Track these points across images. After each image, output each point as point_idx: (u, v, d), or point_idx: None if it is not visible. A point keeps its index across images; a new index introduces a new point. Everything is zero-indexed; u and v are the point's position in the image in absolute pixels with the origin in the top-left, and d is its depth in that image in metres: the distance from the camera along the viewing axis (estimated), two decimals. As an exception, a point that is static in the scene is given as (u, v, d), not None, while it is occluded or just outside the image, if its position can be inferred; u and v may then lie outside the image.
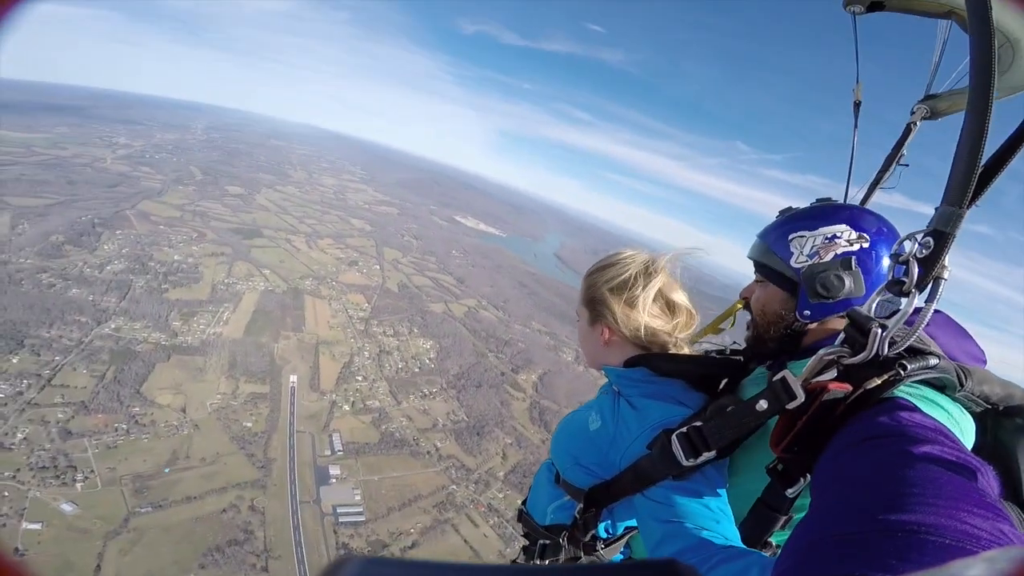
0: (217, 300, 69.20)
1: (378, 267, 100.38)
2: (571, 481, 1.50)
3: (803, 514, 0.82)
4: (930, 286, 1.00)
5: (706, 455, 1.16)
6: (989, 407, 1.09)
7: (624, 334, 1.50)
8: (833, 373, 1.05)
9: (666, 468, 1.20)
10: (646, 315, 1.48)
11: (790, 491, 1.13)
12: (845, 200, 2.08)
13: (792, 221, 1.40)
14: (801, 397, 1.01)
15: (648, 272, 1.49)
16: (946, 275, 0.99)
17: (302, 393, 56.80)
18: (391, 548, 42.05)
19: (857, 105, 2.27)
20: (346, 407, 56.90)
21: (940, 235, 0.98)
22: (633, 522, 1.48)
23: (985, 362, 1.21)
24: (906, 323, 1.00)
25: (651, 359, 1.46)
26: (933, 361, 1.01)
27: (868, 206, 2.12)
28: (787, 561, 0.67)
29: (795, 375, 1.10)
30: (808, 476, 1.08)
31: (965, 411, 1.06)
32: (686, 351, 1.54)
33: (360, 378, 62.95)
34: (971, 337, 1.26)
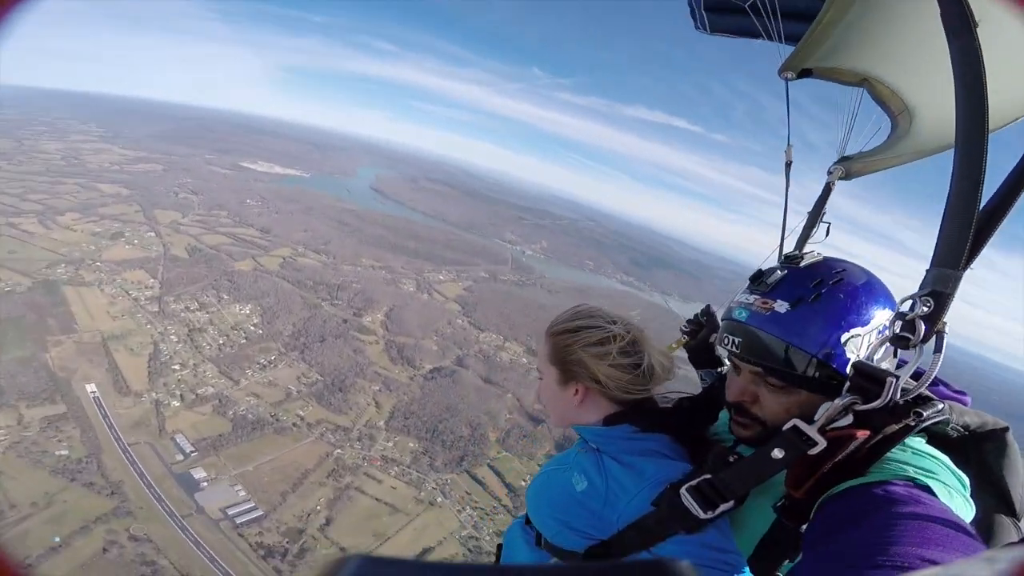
0: (-74, 322, 53.30)
1: (153, 234, 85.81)
2: (561, 545, 1.41)
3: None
4: (934, 339, 1.05)
5: (724, 506, 1.14)
6: (968, 434, 1.20)
7: (601, 393, 1.45)
8: (849, 418, 1.08)
9: (679, 524, 1.16)
10: (625, 373, 1.42)
11: (804, 528, 1.11)
12: (781, 254, 2.07)
13: (837, 312, 1.20)
14: (823, 444, 1.04)
15: (624, 330, 1.46)
16: (947, 329, 1.05)
17: (111, 401, 49.63)
18: (309, 531, 42.04)
19: (788, 165, 2.27)
20: (175, 403, 51.96)
21: (939, 295, 1.04)
22: None
23: (959, 397, 1.28)
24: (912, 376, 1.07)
25: (634, 416, 1.41)
26: (941, 405, 1.11)
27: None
28: None
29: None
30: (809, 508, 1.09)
31: (958, 474, 1.09)
32: (657, 403, 1.49)
33: (177, 367, 56.76)
34: (942, 381, 1.31)
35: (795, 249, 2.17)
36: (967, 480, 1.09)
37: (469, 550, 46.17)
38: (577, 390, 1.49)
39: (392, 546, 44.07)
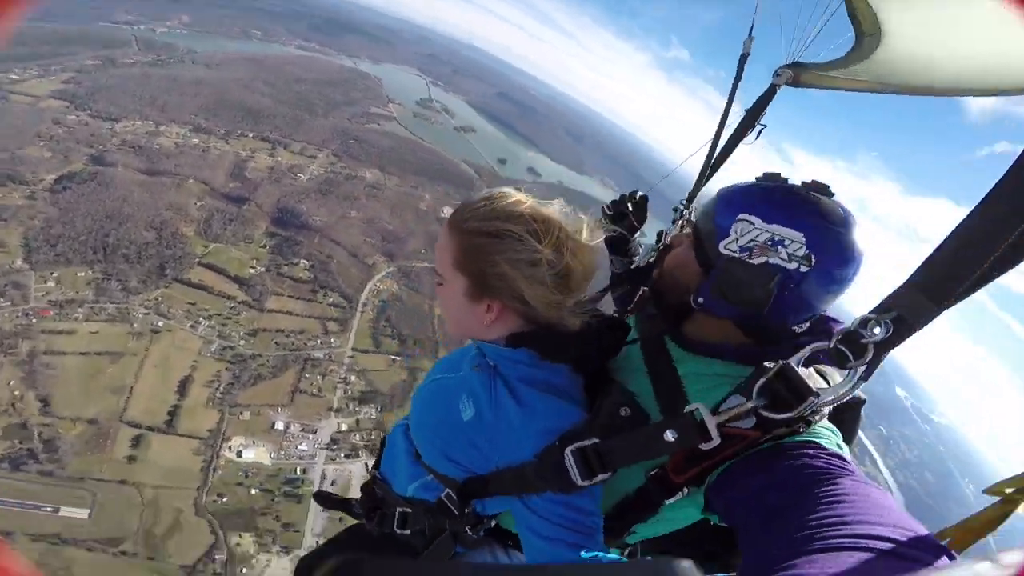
0: None
1: None
2: (438, 471, 1.35)
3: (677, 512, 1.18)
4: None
5: (602, 476, 1.09)
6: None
7: (518, 312, 1.27)
8: (752, 421, 1.03)
9: (555, 482, 1.11)
10: (554, 293, 1.22)
11: (669, 501, 1.15)
12: (714, 153, 2.33)
13: (752, 200, 1.23)
14: (716, 441, 0.99)
15: (561, 238, 1.23)
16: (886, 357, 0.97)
17: None
18: (31, 421, 33.89)
19: (744, 57, 2.34)
20: None
21: (904, 324, 0.93)
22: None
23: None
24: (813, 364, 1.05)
25: (538, 341, 1.27)
26: (823, 418, 1.09)
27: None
28: None
29: (678, 368, 1.26)
30: (686, 491, 1.13)
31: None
32: (575, 323, 1.30)
33: None
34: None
35: (726, 147, 2.33)
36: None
37: (230, 362, 42.72)
38: (491, 307, 1.27)
39: (144, 388, 38.32)
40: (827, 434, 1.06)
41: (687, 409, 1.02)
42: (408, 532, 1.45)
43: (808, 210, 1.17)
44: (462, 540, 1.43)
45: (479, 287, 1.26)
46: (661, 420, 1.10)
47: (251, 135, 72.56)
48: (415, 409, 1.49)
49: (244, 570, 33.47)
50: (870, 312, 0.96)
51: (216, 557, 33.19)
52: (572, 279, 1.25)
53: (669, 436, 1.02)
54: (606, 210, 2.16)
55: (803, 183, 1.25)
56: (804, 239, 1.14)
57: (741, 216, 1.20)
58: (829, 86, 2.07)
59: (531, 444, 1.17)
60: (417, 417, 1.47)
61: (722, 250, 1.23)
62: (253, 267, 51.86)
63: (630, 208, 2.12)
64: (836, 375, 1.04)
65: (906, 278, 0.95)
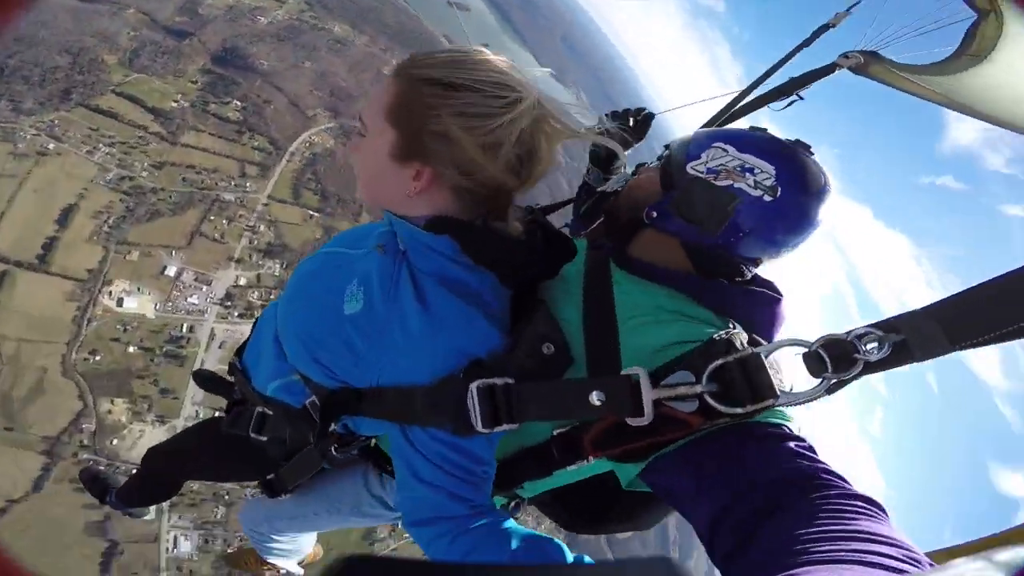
0: None
1: None
2: (303, 372, 1.10)
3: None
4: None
5: (507, 427, 0.91)
6: None
7: (456, 184, 0.99)
8: (694, 404, 0.88)
9: (447, 421, 0.93)
10: (509, 174, 0.98)
11: (571, 468, 1.02)
12: (735, 104, 2.18)
13: (732, 134, 1.19)
14: (648, 418, 0.85)
15: (530, 106, 0.95)
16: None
17: None
18: None
19: (826, 27, 2.26)
20: None
21: (906, 352, 0.81)
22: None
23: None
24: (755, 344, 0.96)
25: (468, 232, 1.00)
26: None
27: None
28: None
29: (615, 294, 1.08)
30: (592, 460, 0.99)
31: None
32: (517, 226, 1.09)
33: None
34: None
35: (752, 102, 2.19)
36: None
37: (126, 192, 37.18)
38: (420, 173, 0.98)
39: (17, 215, 32.48)
40: (791, 414, 0.94)
41: (625, 372, 0.89)
42: (264, 439, 1.21)
43: (786, 153, 1.12)
44: (329, 458, 1.22)
45: (411, 145, 0.97)
46: (590, 379, 0.96)
47: (218, -27, 63.91)
48: (289, 287, 1.20)
49: (114, 441, 29.39)
50: (869, 326, 0.83)
51: (84, 427, 28.98)
52: (535, 165, 1.00)
53: (595, 399, 0.87)
54: (604, 119, 1.68)
55: (787, 138, 1.18)
56: (774, 171, 1.09)
57: (716, 144, 1.15)
58: (894, 84, 2.05)
59: (427, 363, 0.95)
60: (288, 299, 1.18)
61: (688, 170, 1.15)
62: (176, 101, 45.19)
63: (631, 123, 1.81)
64: (785, 372, 0.92)
65: (924, 305, 0.83)
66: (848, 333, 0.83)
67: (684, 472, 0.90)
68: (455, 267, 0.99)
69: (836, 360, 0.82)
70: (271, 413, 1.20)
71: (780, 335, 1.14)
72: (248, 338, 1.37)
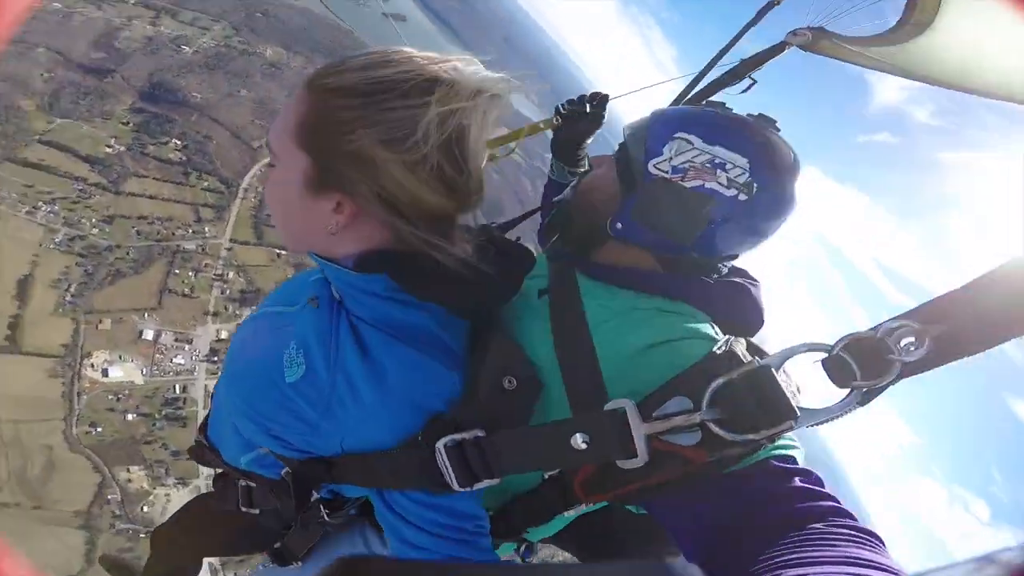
0: None
1: None
2: (265, 446, 0.98)
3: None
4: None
5: (487, 482, 0.82)
6: None
7: (381, 216, 0.85)
8: (697, 436, 0.75)
9: (422, 482, 0.85)
10: (440, 196, 0.84)
11: (568, 514, 0.94)
12: (688, 91, 1.98)
13: (693, 120, 1.08)
14: (643, 459, 0.73)
15: (467, 115, 0.81)
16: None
17: None
18: None
19: (771, 5, 2.22)
20: None
21: (955, 345, 0.69)
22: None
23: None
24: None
25: (404, 266, 0.87)
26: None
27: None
28: None
29: (584, 307, 0.97)
30: (587, 504, 0.90)
31: None
32: (466, 248, 0.91)
33: None
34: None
35: (704, 89, 2.04)
36: None
37: (81, 254, 35.74)
38: (340, 205, 0.84)
39: None
40: (798, 444, 0.83)
41: (609, 407, 0.76)
42: (257, 511, 1.10)
43: (756, 140, 1.02)
44: (323, 524, 1.12)
45: (325, 173, 0.83)
46: (570, 419, 0.84)
47: (131, 1, 59.97)
48: (226, 360, 1.08)
49: (145, 508, 29.77)
50: (901, 318, 0.69)
51: (109, 497, 29.18)
52: (473, 179, 0.86)
53: (579, 442, 0.75)
54: (560, 110, 1.75)
55: (749, 114, 1.09)
56: (748, 165, 0.98)
57: (679, 135, 1.02)
58: (843, 58, 2.08)
59: (386, 425, 0.85)
60: (228, 375, 1.06)
61: (651, 169, 1.03)
62: (110, 146, 43.40)
63: (587, 110, 1.70)
64: (796, 381, 0.80)
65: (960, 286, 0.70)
66: (876, 329, 0.70)
67: (683, 514, 0.81)
68: (397, 308, 0.88)
69: (865, 364, 0.69)
70: (255, 485, 1.07)
71: (766, 323, 1.06)
72: (209, 412, 1.23)
